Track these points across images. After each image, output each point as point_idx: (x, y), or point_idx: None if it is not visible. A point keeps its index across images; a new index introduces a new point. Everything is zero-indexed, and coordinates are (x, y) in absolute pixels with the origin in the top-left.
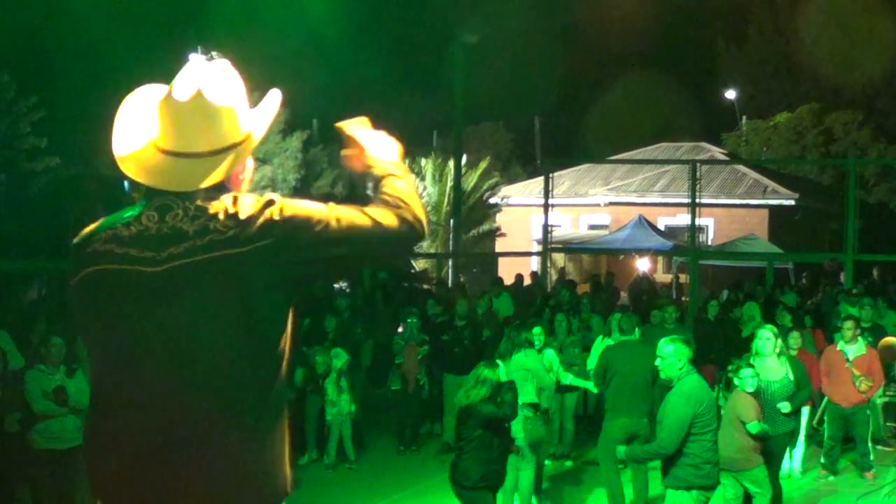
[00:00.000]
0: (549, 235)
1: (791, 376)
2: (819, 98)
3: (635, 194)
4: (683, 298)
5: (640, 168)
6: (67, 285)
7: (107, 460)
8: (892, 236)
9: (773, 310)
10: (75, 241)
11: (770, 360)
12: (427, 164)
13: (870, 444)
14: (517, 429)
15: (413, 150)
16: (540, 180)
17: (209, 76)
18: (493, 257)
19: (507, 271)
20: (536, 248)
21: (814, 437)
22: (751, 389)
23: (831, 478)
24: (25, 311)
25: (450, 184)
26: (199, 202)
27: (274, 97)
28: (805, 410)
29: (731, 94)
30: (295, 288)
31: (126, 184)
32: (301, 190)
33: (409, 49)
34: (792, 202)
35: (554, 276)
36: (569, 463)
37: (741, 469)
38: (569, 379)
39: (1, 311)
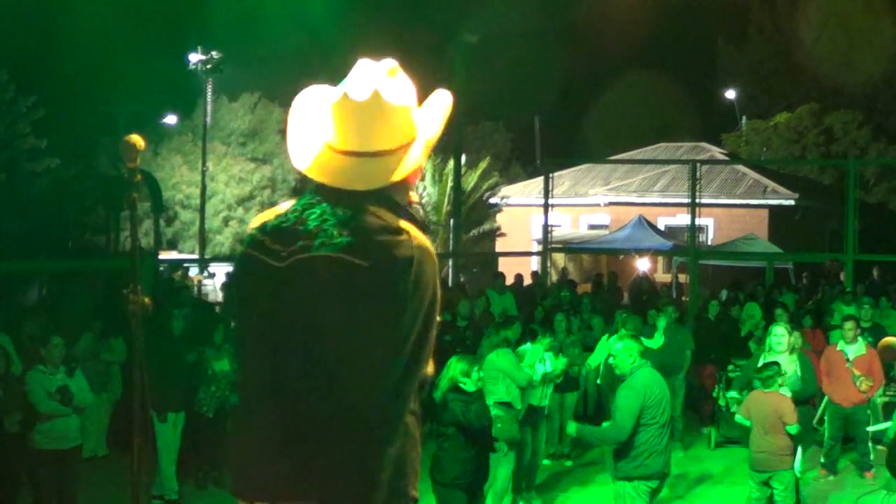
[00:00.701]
0: (549, 235)
1: (799, 373)
2: (819, 98)
3: (635, 194)
4: (683, 298)
5: (640, 168)
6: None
7: (244, 447)
8: (892, 236)
9: (773, 310)
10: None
11: (782, 357)
12: (427, 164)
13: (870, 444)
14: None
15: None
16: (540, 180)
17: (383, 77)
18: (493, 257)
19: (508, 271)
20: (536, 248)
21: (814, 436)
22: (788, 393)
23: (831, 478)
24: (26, 312)
25: (450, 184)
26: (337, 207)
27: (442, 97)
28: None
29: (731, 94)
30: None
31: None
32: (301, 190)
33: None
34: (792, 202)
35: (554, 276)
36: (569, 463)
37: (775, 469)
38: (540, 368)
39: (1, 312)
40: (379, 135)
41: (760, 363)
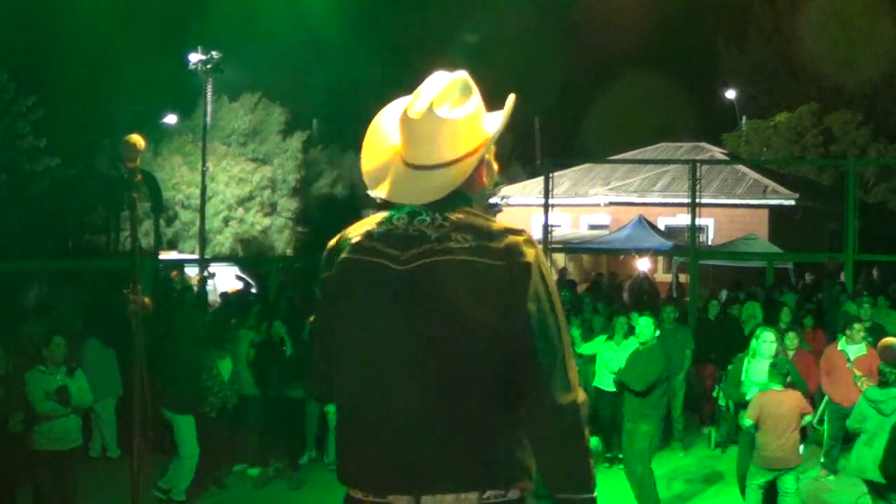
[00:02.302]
0: (549, 235)
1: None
2: (819, 98)
3: (635, 194)
4: (685, 299)
5: (640, 168)
6: (321, 280)
7: (353, 445)
8: (892, 236)
9: (775, 310)
10: (331, 241)
11: (767, 361)
12: None
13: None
14: None
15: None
16: (540, 180)
17: (441, 90)
18: None
19: None
20: None
21: (813, 436)
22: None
23: (831, 477)
24: (26, 312)
25: None
26: (447, 213)
27: (508, 102)
28: None
29: (731, 94)
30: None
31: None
32: (301, 190)
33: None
34: (792, 202)
35: (554, 276)
36: None
37: (788, 467)
38: None
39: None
40: (433, 149)
41: (746, 366)
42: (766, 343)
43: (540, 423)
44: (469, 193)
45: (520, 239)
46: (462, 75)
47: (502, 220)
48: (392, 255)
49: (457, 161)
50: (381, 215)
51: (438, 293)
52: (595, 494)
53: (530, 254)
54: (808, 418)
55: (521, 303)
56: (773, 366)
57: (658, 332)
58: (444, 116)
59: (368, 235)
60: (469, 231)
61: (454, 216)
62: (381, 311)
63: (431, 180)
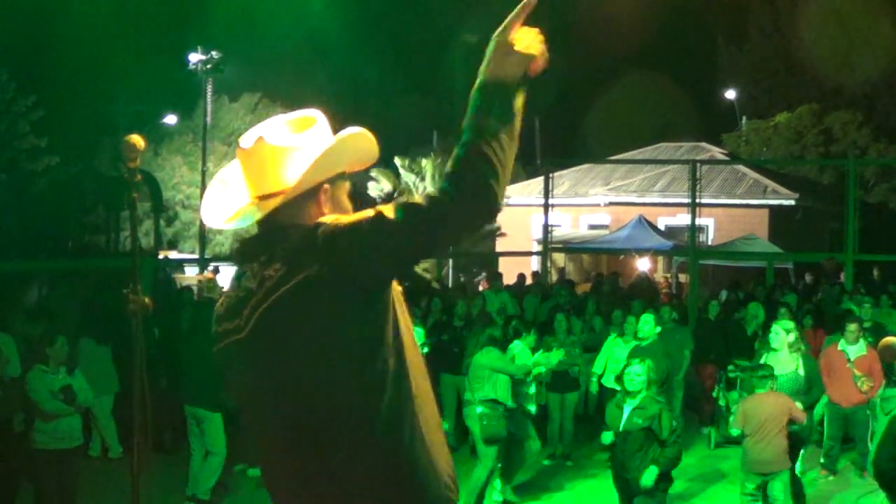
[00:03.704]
0: (549, 235)
1: (801, 371)
2: (819, 98)
3: (635, 194)
4: (683, 297)
5: (640, 168)
6: None
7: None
8: (892, 236)
9: (776, 309)
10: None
11: (782, 353)
12: (427, 164)
13: (870, 444)
14: (471, 424)
15: (413, 150)
16: (540, 180)
17: (274, 122)
18: (493, 257)
19: (508, 271)
20: (536, 247)
21: (813, 437)
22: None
23: (831, 478)
24: (27, 312)
25: None
26: (263, 257)
27: (349, 133)
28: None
29: (731, 94)
30: (364, 297)
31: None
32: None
33: (410, 49)
34: (792, 202)
35: (554, 276)
36: (569, 463)
37: (775, 471)
38: (533, 357)
39: (1, 312)
40: (264, 178)
41: (759, 362)
42: (775, 334)
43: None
44: (297, 218)
45: (313, 229)
46: (310, 113)
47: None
48: (236, 327)
49: (270, 196)
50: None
51: (277, 340)
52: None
53: (327, 232)
54: (796, 426)
55: (365, 275)
56: (753, 368)
57: (658, 329)
58: (274, 143)
59: (219, 320)
60: (277, 259)
61: (271, 250)
62: (248, 386)
63: (260, 209)
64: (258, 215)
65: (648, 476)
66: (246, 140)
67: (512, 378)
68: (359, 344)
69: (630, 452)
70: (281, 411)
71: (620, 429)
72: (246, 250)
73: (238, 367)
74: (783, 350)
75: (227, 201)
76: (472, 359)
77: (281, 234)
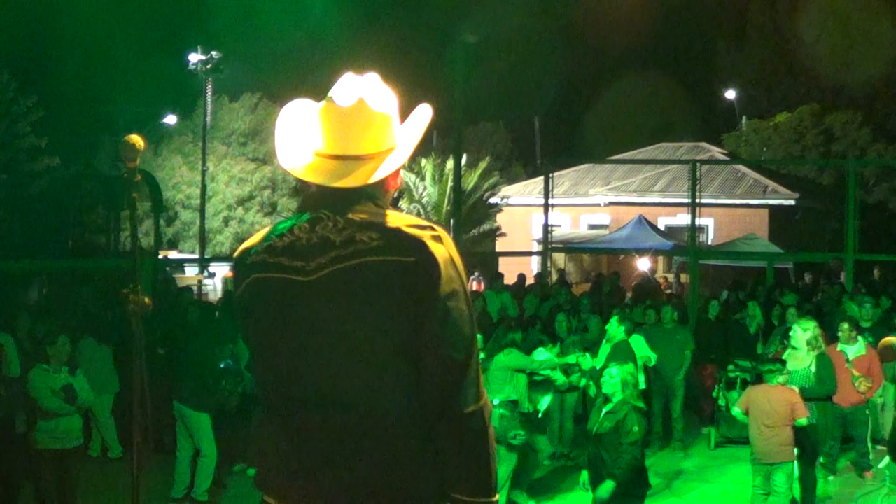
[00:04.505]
0: (550, 235)
1: (813, 368)
2: (819, 98)
3: (635, 194)
4: (679, 296)
5: (640, 168)
6: (234, 297)
7: (274, 457)
8: (892, 236)
9: (775, 310)
10: (235, 255)
11: (801, 352)
12: (427, 164)
13: (869, 444)
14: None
15: (413, 150)
16: (540, 180)
17: (368, 87)
18: (493, 257)
19: (508, 271)
20: (537, 247)
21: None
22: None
23: (831, 478)
24: (27, 312)
25: (450, 184)
26: (349, 215)
27: (424, 112)
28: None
29: (731, 94)
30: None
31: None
32: (301, 190)
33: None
34: (792, 202)
35: (555, 276)
36: (569, 463)
37: (777, 462)
38: (542, 356)
39: (2, 312)
40: (362, 139)
41: (782, 356)
42: (794, 332)
43: (448, 432)
44: (377, 193)
45: (427, 234)
46: (376, 76)
47: (411, 216)
48: (298, 267)
49: (378, 155)
50: (283, 225)
51: (351, 299)
52: (496, 498)
53: (439, 249)
54: (802, 421)
55: (430, 302)
56: (764, 361)
57: (624, 329)
58: (374, 109)
59: (272, 251)
60: (374, 229)
61: (357, 217)
62: (293, 327)
63: (352, 169)
64: (357, 174)
65: (604, 489)
66: (341, 97)
67: (530, 379)
68: (410, 339)
69: (603, 457)
70: (320, 359)
71: (593, 432)
72: (327, 201)
73: (282, 301)
74: (802, 349)
75: (300, 149)
76: (493, 360)
77: (366, 196)
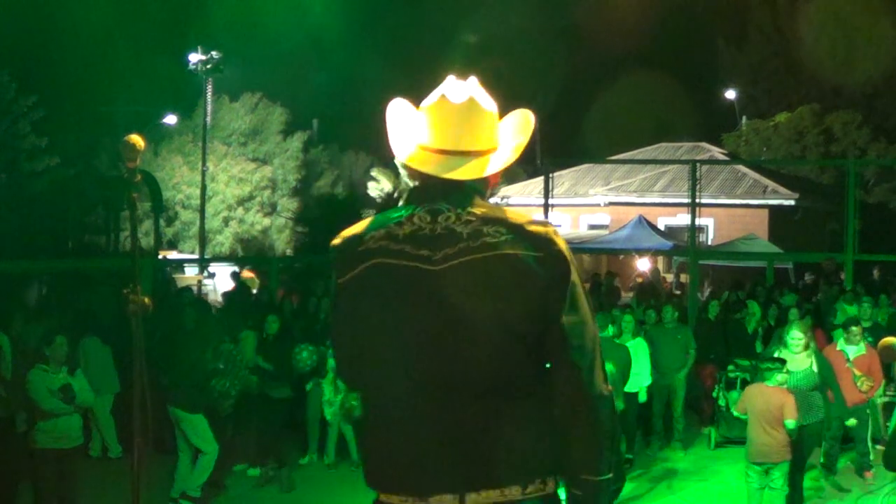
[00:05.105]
0: None
1: (815, 368)
2: (819, 98)
3: (635, 194)
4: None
5: (640, 168)
6: (336, 284)
7: (387, 448)
8: (892, 236)
9: (778, 310)
10: (337, 242)
11: (798, 356)
12: None
13: (869, 444)
14: None
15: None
16: (540, 180)
17: (476, 86)
18: None
19: None
20: None
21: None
22: (784, 385)
23: (831, 478)
24: (27, 312)
25: None
26: (469, 209)
27: (525, 115)
28: None
29: (731, 94)
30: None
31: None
32: (301, 190)
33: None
34: (792, 202)
35: None
36: None
37: (773, 462)
38: None
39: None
40: (471, 136)
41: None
42: (793, 340)
43: (581, 416)
44: (483, 190)
45: (549, 229)
46: (475, 80)
47: (524, 213)
48: (424, 255)
49: (486, 152)
50: (395, 214)
51: (480, 289)
52: (611, 475)
53: (562, 244)
54: (788, 423)
55: (560, 294)
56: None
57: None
58: (484, 107)
59: (392, 237)
60: (500, 224)
61: (477, 210)
62: (415, 314)
63: (462, 163)
64: (468, 168)
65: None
66: (454, 95)
67: None
68: (537, 329)
69: None
70: (444, 345)
71: None
72: (439, 194)
73: (407, 288)
74: (801, 353)
75: (405, 143)
76: None
77: (475, 191)
